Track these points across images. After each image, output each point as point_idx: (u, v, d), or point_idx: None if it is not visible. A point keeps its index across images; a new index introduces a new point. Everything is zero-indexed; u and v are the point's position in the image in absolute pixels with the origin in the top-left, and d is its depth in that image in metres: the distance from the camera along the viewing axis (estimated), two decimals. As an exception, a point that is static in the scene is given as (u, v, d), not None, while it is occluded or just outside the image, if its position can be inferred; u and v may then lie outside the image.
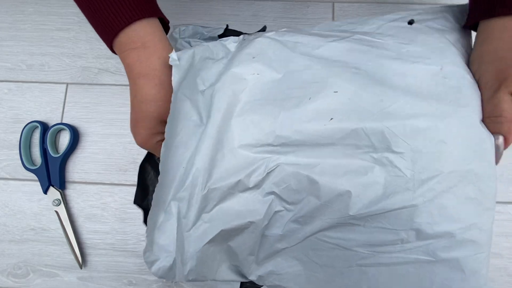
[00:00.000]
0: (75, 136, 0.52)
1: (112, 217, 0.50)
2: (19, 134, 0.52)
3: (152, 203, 0.33)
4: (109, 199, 0.51)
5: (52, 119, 0.54)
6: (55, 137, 0.53)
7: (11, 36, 0.58)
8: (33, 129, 0.53)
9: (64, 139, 0.53)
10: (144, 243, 0.49)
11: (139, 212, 0.50)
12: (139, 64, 0.31)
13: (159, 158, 0.33)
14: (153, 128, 0.32)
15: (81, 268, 0.48)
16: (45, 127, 0.52)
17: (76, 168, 0.52)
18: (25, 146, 0.51)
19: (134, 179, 0.51)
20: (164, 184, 0.32)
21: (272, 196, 0.30)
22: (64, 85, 0.55)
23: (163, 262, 0.32)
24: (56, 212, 0.49)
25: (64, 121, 0.53)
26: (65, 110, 0.54)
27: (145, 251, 0.33)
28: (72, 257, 0.48)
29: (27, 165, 0.50)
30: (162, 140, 0.32)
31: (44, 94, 0.55)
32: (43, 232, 0.50)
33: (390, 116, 0.29)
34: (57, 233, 0.49)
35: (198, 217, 0.30)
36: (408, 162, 0.28)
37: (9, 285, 0.48)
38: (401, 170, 0.28)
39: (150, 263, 0.33)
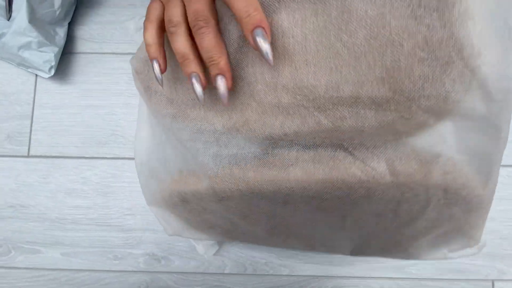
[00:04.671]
0: None
1: (93, 192, 0.48)
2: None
3: None
4: (89, 173, 0.49)
5: (24, 91, 0.51)
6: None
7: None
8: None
9: None
10: (128, 217, 0.48)
11: (122, 186, 0.48)
12: None
13: None
14: None
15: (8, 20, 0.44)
16: None
17: (53, 142, 0.49)
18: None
19: (115, 152, 0.49)
20: None
21: None
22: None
23: None
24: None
25: (37, 90, 0.50)
26: (37, 81, 0.51)
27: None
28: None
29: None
30: None
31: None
32: (22, 209, 0.48)
33: None
34: (36, 209, 0.48)
35: None
36: None
37: (-9, 263, 0.47)
38: None
39: None
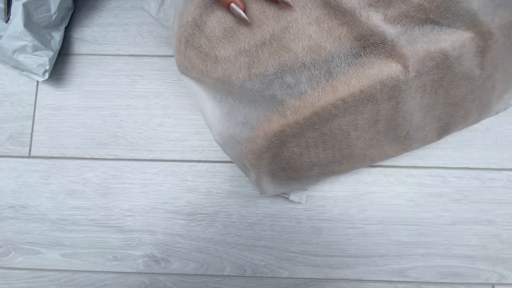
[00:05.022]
0: None
1: (93, 193, 0.49)
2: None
3: None
4: (90, 174, 0.49)
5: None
6: None
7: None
8: None
9: None
10: (128, 218, 0.48)
11: (122, 188, 0.48)
12: None
13: None
14: None
15: (6, 22, 0.45)
16: None
17: (55, 143, 0.50)
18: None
19: (116, 153, 0.49)
20: None
21: None
22: (38, 56, 0.52)
23: None
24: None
25: (39, 91, 0.51)
26: (39, 82, 0.51)
27: None
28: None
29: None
30: None
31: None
32: (22, 210, 0.48)
33: None
34: (37, 210, 0.48)
35: None
36: None
37: (-9, 263, 0.47)
38: None
39: None
